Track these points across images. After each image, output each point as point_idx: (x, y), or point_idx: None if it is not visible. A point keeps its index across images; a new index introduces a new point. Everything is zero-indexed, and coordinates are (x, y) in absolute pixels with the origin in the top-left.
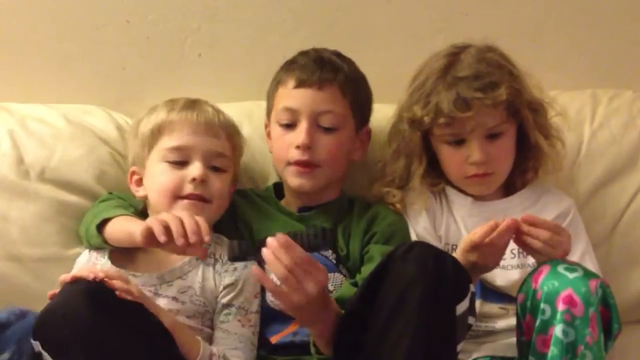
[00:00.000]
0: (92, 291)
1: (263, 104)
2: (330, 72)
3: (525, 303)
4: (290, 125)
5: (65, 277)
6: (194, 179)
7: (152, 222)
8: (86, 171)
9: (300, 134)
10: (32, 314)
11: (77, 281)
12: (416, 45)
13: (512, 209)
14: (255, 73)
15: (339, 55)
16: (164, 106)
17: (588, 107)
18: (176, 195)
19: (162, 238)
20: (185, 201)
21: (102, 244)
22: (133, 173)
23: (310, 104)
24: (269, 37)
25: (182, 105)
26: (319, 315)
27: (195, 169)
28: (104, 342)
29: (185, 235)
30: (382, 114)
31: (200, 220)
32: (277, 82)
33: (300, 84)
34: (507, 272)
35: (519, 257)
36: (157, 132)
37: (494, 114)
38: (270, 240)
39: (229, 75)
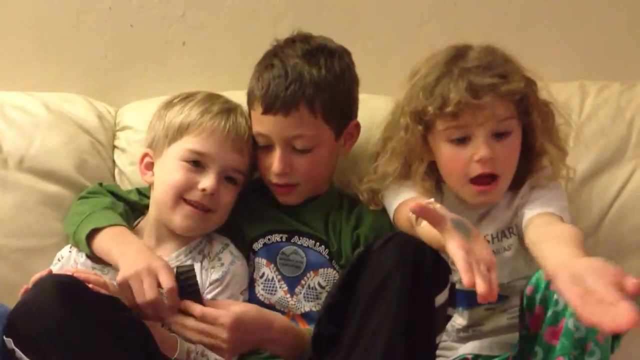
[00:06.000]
0: (65, 286)
1: None
2: (297, 91)
3: (534, 295)
4: (267, 147)
5: (39, 275)
6: (203, 190)
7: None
8: (66, 160)
9: (275, 161)
10: (1, 306)
11: (49, 276)
12: (404, 34)
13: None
14: (241, 61)
15: (310, 53)
16: (200, 103)
17: (576, 98)
18: (182, 196)
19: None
20: (188, 208)
21: (90, 254)
22: (146, 155)
23: (280, 130)
24: (255, 24)
25: (217, 110)
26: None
27: (208, 180)
28: (78, 338)
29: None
30: (371, 105)
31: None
32: (248, 98)
33: (266, 111)
34: None
35: (493, 242)
36: (184, 129)
37: (505, 106)
38: None
39: (214, 63)
